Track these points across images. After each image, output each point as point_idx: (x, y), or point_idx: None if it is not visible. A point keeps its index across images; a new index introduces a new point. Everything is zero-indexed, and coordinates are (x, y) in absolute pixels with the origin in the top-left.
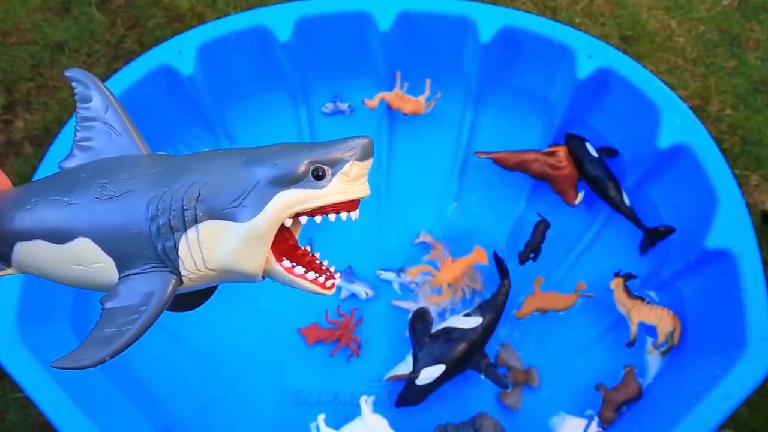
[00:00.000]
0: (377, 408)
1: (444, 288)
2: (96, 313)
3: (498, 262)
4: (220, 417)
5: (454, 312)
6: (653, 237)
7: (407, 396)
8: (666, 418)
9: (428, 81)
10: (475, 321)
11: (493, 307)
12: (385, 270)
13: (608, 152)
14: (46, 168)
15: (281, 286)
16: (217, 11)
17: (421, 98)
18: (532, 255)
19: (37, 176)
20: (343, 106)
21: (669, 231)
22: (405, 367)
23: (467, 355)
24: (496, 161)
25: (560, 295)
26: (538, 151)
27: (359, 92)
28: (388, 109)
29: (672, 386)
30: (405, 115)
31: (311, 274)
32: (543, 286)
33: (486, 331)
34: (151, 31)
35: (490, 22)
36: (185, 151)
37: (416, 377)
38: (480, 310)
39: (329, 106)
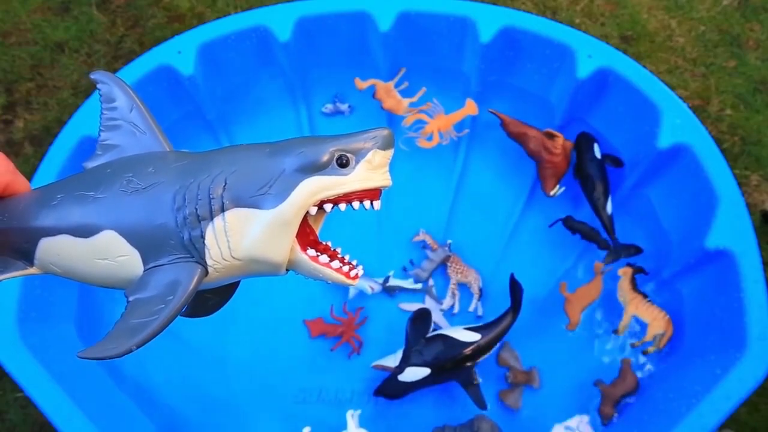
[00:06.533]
0: (372, 410)
1: (434, 135)
2: (100, 314)
3: (513, 288)
4: (219, 416)
5: (455, 319)
6: (620, 252)
7: (387, 388)
8: (666, 418)
9: (422, 90)
10: (473, 337)
11: (495, 330)
12: (396, 277)
13: (613, 160)
14: (46, 168)
15: (285, 280)
16: (217, 11)
17: (406, 101)
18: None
19: (37, 176)
20: (343, 107)
21: (638, 251)
22: (394, 360)
23: (454, 367)
24: (502, 123)
25: (588, 285)
26: (540, 129)
27: (359, 92)
28: (372, 96)
29: (672, 386)
30: (382, 109)
31: (336, 263)
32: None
33: (480, 350)
34: (151, 31)
35: (490, 22)
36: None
37: (400, 372)
38: (481, 328)
39: (329, 107)
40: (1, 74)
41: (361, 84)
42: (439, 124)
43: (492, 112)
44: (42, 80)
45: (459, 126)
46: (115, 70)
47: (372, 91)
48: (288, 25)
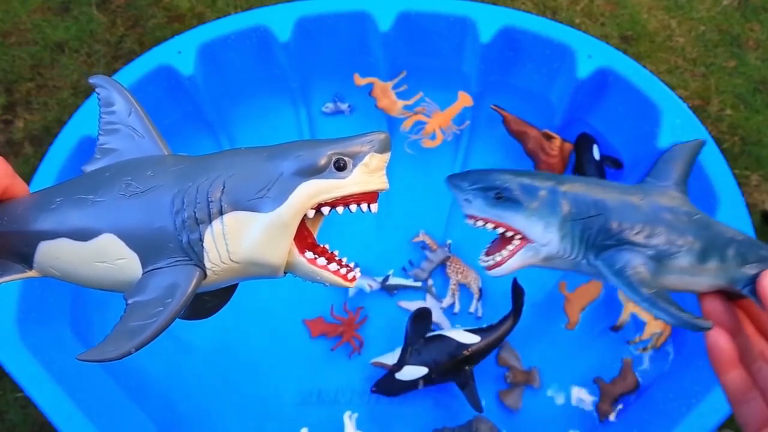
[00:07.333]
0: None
1: (438, 133)
2: (99, 315)
3: (515, 293)
4: (218, 416)
5: (456, 319)
6: None
7: (384, 385)
8: (666, 418)
9: (419, 94)
10: (472, 339)
11: (495, 334)
12: (395, 276)
13: (613, 161)
14: (46, 168)
15: (285, 280)
16: (217, 11)
17: (401, 103)
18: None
19: (37, 176)
20: (343, 106)
21: None
22: (393, 358)
23: (452, 368)
24: (504, 120)
25: (588, 284)
26: (540, 129)
27: (359, 92)
28: (369, 94)
29: (672, 386)
30: (376, 107)
31: (333, 266)
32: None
33: (479, 353)
34: (151, 31)
35: (490, 22)
36: (185, 152)
37: (398, 371)
38: (482, 331)
39: (329, 106)
40: (1, 74)
41: (360, 80)
42: (439, 121)
43: (494, 109)
44: (42, 80)
45: (459, 119)
46: (115, 70)
47: (369, 89)
48: (288, 25)
